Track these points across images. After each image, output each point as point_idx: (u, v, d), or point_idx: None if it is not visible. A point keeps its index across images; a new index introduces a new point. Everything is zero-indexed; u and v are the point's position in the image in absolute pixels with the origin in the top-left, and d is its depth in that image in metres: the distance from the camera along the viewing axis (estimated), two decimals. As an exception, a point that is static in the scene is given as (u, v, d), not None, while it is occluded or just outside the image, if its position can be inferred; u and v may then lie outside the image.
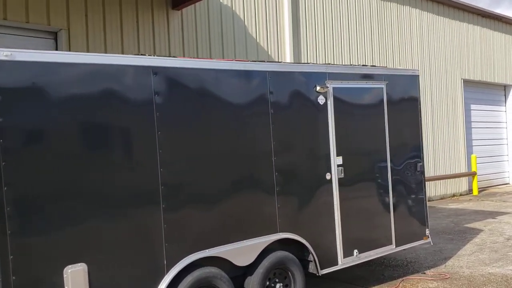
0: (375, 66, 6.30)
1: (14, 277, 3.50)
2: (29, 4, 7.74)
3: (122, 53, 8.82)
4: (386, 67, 8.12)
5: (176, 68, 4.37)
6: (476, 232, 9.48)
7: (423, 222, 6.68)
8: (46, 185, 3.67)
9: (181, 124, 4.40)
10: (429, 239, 6.75)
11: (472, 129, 16.86)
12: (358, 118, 5.94)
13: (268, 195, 5.03)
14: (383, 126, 6.18)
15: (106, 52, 8.58)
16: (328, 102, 5.60)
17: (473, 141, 16.85)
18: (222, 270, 4.60)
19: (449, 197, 15.49)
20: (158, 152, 4.22)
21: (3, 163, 3.48)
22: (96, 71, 3.94)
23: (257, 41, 10.71)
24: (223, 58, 9.92)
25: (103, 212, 3.90)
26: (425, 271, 6.78)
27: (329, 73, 5.60)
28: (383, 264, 7.28)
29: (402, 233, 6.35)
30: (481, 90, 17.34)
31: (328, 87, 5.56)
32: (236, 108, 4.81)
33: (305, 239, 5.28)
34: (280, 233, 5.09)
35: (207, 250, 4.52)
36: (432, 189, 14.94)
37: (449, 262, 7.26)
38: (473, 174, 15.77)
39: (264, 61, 5.16)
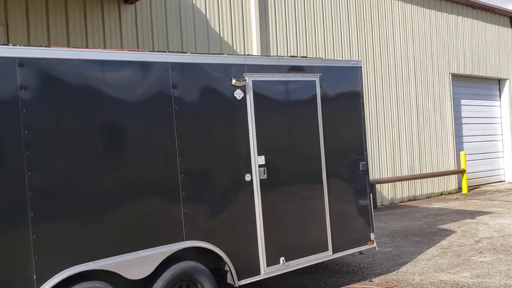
0: (307, 57, 5.78)
1: None
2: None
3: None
4: (323, 58, 7.59)
5: (47, 59, 3.91)
6: (447, 234, 8.92)
7: (367, 226, 6.16)
8: None
9: (60, 125, 3.96)
10: (374, 244, 6.24)
11: (463, 125, 16.21)
12: (284, 114, 5.45)
13: (172, 200, 4.56)
14: (316, 123, 5.67)
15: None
16: (247, 97, 5.11)
17: (463, 137, 16.20)
18: (111, 284, 4.14)
19: (436, 195, 14.89)
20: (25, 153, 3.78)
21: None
22: None
23: (221, 35, 10.25)
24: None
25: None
26: (373, 279, 6.27)
27: (248, 64, 5.12)
28: (332, 270, 6.78)
29: (341, 238, 5.85)
30: (473, 85, 16.66)
31: (246, 80, 5.07)
32: (128, 105, 4.35)
33: (219, 248, 4.82)
34: (187, 242, 4.63)
35: (90, 263, 4.06)
36: (417, 188, 14.36)
37: (403, 268, 6.73)
38: (462, 171, 15.12)
39: (166, 52, 4.68)
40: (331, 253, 5.76)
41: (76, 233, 4.02)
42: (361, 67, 6.11)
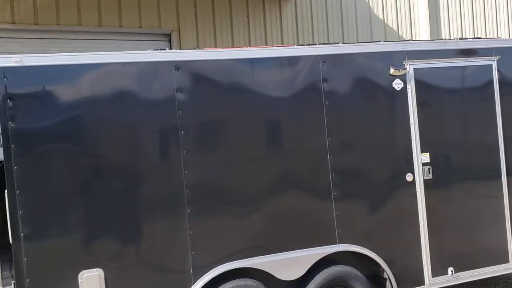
0: (481, 38, 4.99)
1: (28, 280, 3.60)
2: (141, 11, 8.14)
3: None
4: (502, 38, 6.47)
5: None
6: None
7: (562, 236, 5.10)
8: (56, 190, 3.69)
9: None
10: None
11: None
12: (453, 105, 4.78)
13: (323, 201, 4.34)
14: (493, 113, 4.86)
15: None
16: (408, 87, 4.60)
17: None
18: (263, 284, 4.11)
19: None
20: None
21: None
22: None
23: (385, 21, 9.63)
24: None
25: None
26: None
27: (408, 51, 4.59)
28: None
29: (526, 249, 4.95)
30: None
31: (406, 69, 4.57)
32: (277, 101, 4.24)
33: (376, 253, 4.44)
34: (339, 245, 4.36)
35: (242, 261, 4.07)
36: None
37: None
38: None
39: (316, 44, 4.44)
40: (513, 265, 4.92)
41: (230, 231, 4.06)
42: (551, 45, 5.07)
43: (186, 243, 3.92)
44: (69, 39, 7.58)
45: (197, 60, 4.00)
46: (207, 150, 4.04)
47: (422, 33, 9.65)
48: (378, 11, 9.59)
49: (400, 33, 9.63)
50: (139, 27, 8.14)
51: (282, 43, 8.89)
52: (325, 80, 4.36)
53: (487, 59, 4.84)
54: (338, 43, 4.91)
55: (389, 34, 9.58)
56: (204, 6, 8.50)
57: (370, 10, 9.54)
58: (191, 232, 3.93)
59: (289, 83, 4.29)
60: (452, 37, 9.71)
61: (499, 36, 10.01)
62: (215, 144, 4.07)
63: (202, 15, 8.49)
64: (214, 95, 4.06)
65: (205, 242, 3.98)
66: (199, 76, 4.02)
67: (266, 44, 8.83)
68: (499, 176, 4.88)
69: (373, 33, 9.50)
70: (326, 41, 9.08)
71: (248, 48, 4.39)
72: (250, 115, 4.18)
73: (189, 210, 3.93)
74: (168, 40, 8.53)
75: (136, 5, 7.93)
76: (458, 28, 10.02)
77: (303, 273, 4.22)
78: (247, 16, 8.81)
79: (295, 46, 4.41)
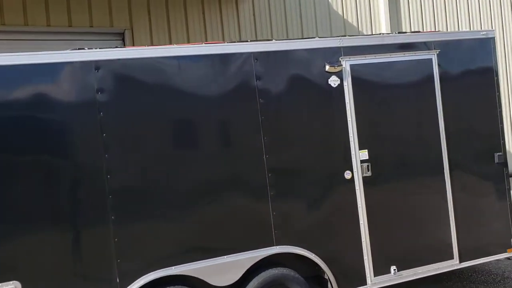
0: (420, 32, 4.92)
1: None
2: (92, 10, 7.91)
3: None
4: (442, 31, 6.43)
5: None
6: None
7: (506, 229, 5.08)
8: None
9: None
10: (517, 252, 5.12)
11: None
12: (393, 100, 4.70)
13: (259, 202, 4.23)
14: (434, 108, 4.80)
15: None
16: (345, 84, 4.51)
17: None
18: (196, 290, 3.98)
19: None
20: (103, 157, 3.78)
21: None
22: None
23: (344, 17, 9.56)
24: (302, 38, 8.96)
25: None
26: (516, 294, 5.19)
27: (344, 47, 4.50)
28: (467, 278, 5.80)
29: (471, 244, 4.91)
30: None
31: (342, 65, 4.47)
32: (207, 100, 4.11)
33: (315, 254, 4.34)
34: (277, 247, 4.25)
35: (173, 268, 3.93)
36: None
37: (562, 282, 5.46)
38: None
39: (248, 41, 4.31)
40: (457, 261, 4.87)
41: (158, 237, 3.91)
42: (493, 38, 5.02)
43: (110, 251, 3.76)
44: (14, 40, 7.33)
45: (118, 59, 3.84)
46: (131, 152, 3.88)
47: (382, 27, 9.60)
48: (337, 6, 9.51)
49: (360, 28, 9.57)
50: (90, 26, 7.91)
51: (240, 40, 8.75)
52: (258, 78, 4.24)
53: (426, 53, 4.77)
54: (271, 39, 4.77)
55: (349, 29, 9.50)
56: (158, 4, 8.30)
57: (329, 5, 9.45)
58: (116, 239, 3.77)
59: (221, 81, 4.16)
60: (413, 30, 9.68)
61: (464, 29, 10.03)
62: (140, 146, 3.91)
63: (155, 13, 8.29)
64: (138, 95, 3.90)
65: (132, 249, 3.83)
66: (121, 76, 3.86)
67: (224, 41, 8.68)
68: (441, 172, 4.82)
69: (332, 28, 9.42)
70: (285, 37, 8.97)
71: (175, 45, 4.23)
72: (178, 115, 4.04)
73: (112, 217, 3.77)
74: (122, 39, 8.33)
75: (86, 4, 7.71)
76: (419, 22, 10.00)
77: (238, 277, 4.10)
78: (202, 13, 8.64)
79: (225, 43, 4.25)
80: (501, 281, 5.61)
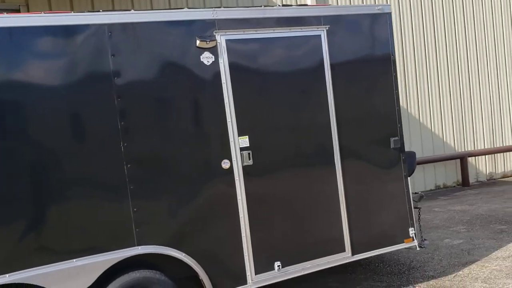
0: (307, 5, 4.47)
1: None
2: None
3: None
4: (333, 5, 6.04)
5: None
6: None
7: (404, 220, 4.77)
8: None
9: None
10: (414, 242, 4.83)
11: None
12: (277, 80, 4.26)
13: (116, 197, 3.70)
14: (324, 89, 4.40)
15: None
16: (220, 61, 4.02)
17: None
18: (40, 300, 3.43)
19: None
20: None
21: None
22: None
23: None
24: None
25: None
26: (416, 285, 4.90)
27: (219, 20, 4.00)
28: (373, 270, 5.50)
29: (364, 236, 4.58)
30: None
31: (216, 40, 3.97)
32: (71, 80, 3.54)
33: (186, 253, 3.87)
34: (139, 247, 3.75)
35: (7, 276, 3.36)
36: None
37: (466, 270, 5.24)
38: None
39: (100, 11, 3.73)
40: (350, 254, 4.52)
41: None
42: (390, 13, 4.65)
43: None
44: None
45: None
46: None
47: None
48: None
49: (284, 1, 9.01)
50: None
51: (152, 8, 8.05)
52: (114, 54, 3.68)
53: (315, 29, 4.34)
54: (130, 10, 4.22)
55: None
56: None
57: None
58: None
59: (67, 57, 3.57)
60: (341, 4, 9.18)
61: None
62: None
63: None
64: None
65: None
66: None
67: (133, 7, 7.89)
68: (331, 161, 4.44)
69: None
70: (219, 6, 8.29)
71: (5, 14, 3.61)
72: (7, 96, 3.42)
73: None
74: (18, 16, 7.53)
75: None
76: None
77: (89, 284, 3.57)
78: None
79: (72, 13, 3.66)
80: (406, 272, 5.34)
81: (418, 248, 4.90)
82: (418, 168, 10.35)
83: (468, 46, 11.15)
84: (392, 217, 4.71)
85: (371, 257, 5.84)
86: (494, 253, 5.74)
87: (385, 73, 4.66)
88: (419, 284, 4.91)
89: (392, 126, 4.69)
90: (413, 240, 4.80)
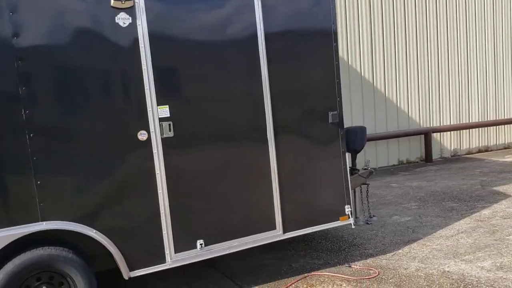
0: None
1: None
2: None
3: None
4: None
5: None
6: (497, 199, 6.94)
7: (340, 197, 4.58)
8: None
9: None
10: (350, 220, 4.65)
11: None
12: (203, 45, 3.94)
13: (16, 170, 3.40)
14: (256, 56, 4.11)
15: None
16: (138, 23, 3.68)
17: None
18: None
19: (517, 146, 12.38)
20: None
21: None
22: None
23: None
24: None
25: None
26: (352, 264, 4.75)
27: (136, -23, 3.65)
28: (313, 247, 5.35)
29: (297, 213, 4.38)
30: None
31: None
32: None
33: (96, 229, 3.61)
34: (43, 223, 3.47)
35: None
36: (492, 137, 11.97)
37: (406, 249, 5.10)
38: (552, 116, 12.34)
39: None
40: (281, 232, 4.33)
41: None
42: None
43: None
44: None
45: None
46: None
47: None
48: None
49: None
50: None
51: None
52: (13, 12, 3.33)
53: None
54: None
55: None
56: None
57: None
58: None
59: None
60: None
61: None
62: None
63: None
64: None
65: None
66: None
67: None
68: (264, 135, 4.19)
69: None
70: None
71: None
72: None
73: None
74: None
75: None
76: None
77: (-17, 262, 3.31)
78: None
79: None
80: (346, 249, 5.18)
81: (353, 226, 4.72)
82: (382, 143, 10.23)
83: (438, 22, 10.90)
84: (328, 195, 4.51)
85: (314, 233, 5.70)
86: (438, 232, 5.62)
87: (325, 43, 4.37)
88: (356, 263, 4.76)
89: (331, 99, 4.44)
90: (349, 217, 4.61)
